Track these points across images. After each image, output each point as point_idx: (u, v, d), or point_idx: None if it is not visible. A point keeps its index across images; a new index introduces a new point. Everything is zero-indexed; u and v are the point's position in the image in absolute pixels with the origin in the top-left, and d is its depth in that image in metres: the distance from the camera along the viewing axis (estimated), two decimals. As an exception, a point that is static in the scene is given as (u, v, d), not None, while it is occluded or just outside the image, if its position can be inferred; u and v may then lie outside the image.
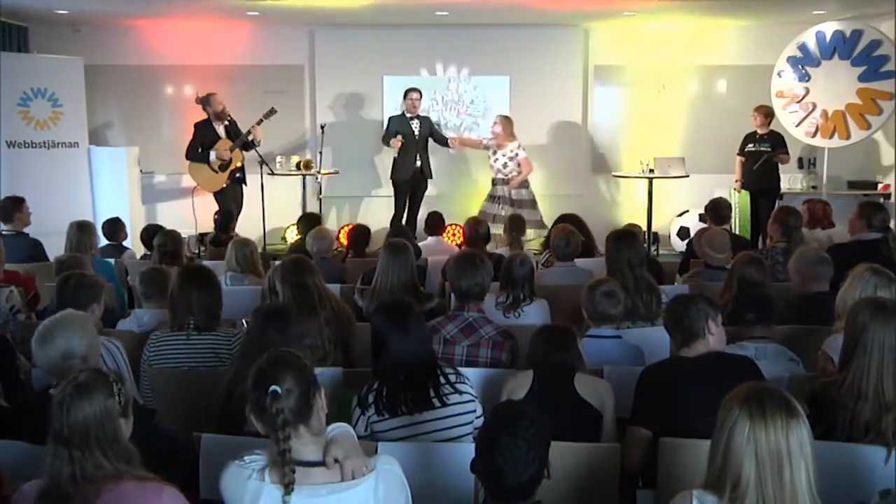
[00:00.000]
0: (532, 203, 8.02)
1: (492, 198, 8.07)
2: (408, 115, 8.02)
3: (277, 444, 1.90)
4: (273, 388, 1.93)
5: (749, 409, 1.80)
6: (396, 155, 7.96)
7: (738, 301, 3.47)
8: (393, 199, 8.23)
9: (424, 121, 8.14)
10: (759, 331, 3.33)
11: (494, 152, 8.00)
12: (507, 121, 7.97)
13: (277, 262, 4.68)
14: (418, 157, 8.01)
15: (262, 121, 7.61)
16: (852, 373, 2.56)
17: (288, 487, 1.89)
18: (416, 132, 7.98)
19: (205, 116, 7.72)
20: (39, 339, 2.72)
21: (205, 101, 7.64)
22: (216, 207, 7.67)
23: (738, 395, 1.85)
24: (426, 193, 8.27)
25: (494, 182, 8.05)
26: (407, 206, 8.19)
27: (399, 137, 7.86)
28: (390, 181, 8.21)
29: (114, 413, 1.99)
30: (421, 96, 8.08)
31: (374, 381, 2.75)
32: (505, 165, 7.92)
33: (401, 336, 2.75)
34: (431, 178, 8.18)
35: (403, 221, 8.06)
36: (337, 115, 9.01)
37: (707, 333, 2.87)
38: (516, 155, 7.91)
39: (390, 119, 8.15)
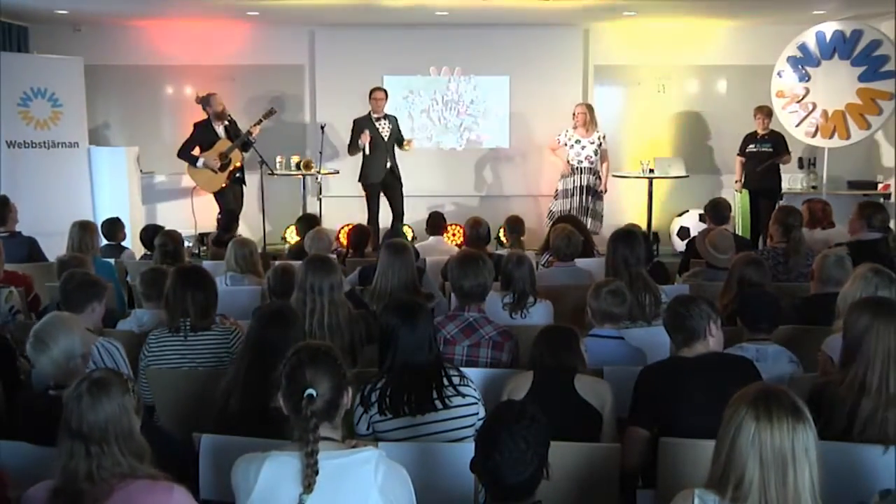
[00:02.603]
0: (601, 195, 8.09)
1: (566, 191, 8.06)
2: (374, 115, 7.78)
3: (307, 445, 1.95)
4: (309, 391, 1.99)
5: (756, 411, 1.80)
6: (367, 153, 7.72)
7: (747, 306, 3.41)
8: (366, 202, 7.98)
9: (392, 120, 7.90)
10: (760, 332, 3.33)
11: (578, 141, 7.99)
12: (590, 108, 7.99)
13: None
14: (388, 159, 7.79)
15: (261, 120, 7.60)
16: (854, 370, 2.56)
17: (309, 488, 1.93)
18: (384, 132, 7.75)
19: (205, 116, 7.71)
20: (37, 343, 2.73)
21: (205, 101, 7.63)
22: (216, 207, 7.67)
23: (746, 396, 1.84)
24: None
25: (578, 171, 8.01)
26: (391, 210, 7.99)
27: (367, 132, 7.66)
28: (359, 184, 7.96)
29: (130, 408, 2.02)
30: (386, 96, 7.87)
31: (378, 380, 2.75)
32: (596, 153, 7.95)
33: (409, 335, 2.75)
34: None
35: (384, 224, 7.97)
36: (337, 115, 9.00)
37: (708, 335, 2.87)
38: (601, 144, 7.95)
39: (355, 122, 7.84)
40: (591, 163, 7.96)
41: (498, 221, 6.93)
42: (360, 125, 7.76)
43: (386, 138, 7.77)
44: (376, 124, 7.76)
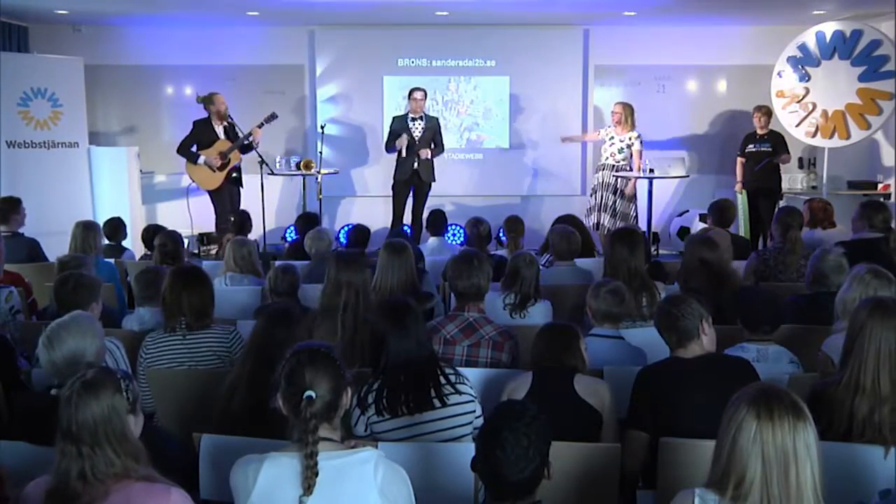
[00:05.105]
0: (633, 197, 8.01)
1: (593, 188, 8.06)
2: (411, 115, 7.79)
3: (306, 447, 1.95)
4: (308, 393, 1.99)
5: (756, 410, 1.80)
6: (403, 156, 7.73)
7: (749, 307, 3.39)
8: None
9: (430, 121, 7.84)
10: (761, 332, 3.32)
11: (611, 137, 7.95)
12: (626, 107, 7.93)
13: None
14: (416, 160, 7.74)
15: (262, 124, 7.57)
16: (850, 369, 2.57)
17: (309, 489, 1.93)
18: (416, 133, 7.73)
19: (205, 115, 7.69)
20: (47, 340, 2.67)
21: (207, 100, 7.60)
22: (213, 207, 7.68)
23: (746, 395, 1.85)
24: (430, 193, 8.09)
25: (602, 168, 7.98)
26: (412, 209, 8.00)
27: (404, 137, 7.68)
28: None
29: (122, 410, 2.00)
30: (425, 96, 7.79)
31: (374, 381, 2.75)
32: (621, 151, 7.89)
33: (400, 336, 2.74)
34: (433, 180, 7.91)
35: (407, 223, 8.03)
36: (337, 115, 9.01)
37: (701, 334, 2.87)
38: (632, 144, 7.88)
39: (393, 119, 7.95)
40: (617, 161, 7.92)
41: (498, 222, 6.93)
42: (395, 123, 7.81)
43: (417, 139, 7.73)
44: (410, 124, 7.75)
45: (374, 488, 1.98)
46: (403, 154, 7.73)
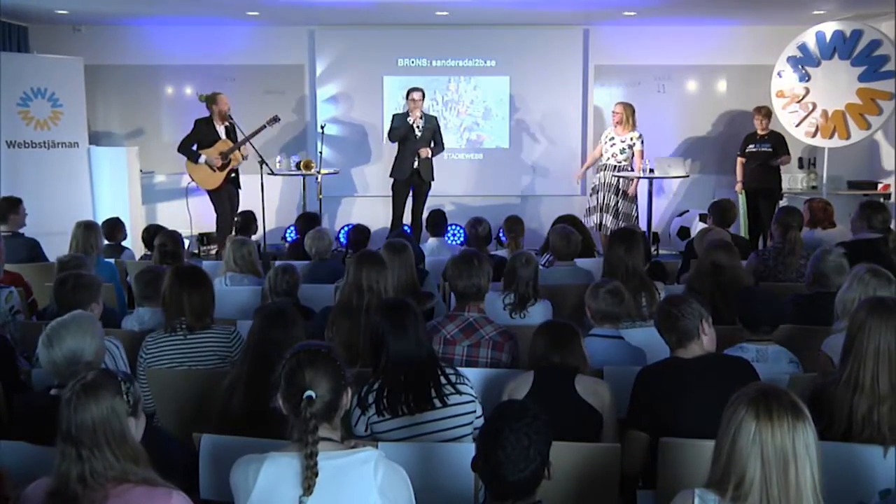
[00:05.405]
0: (634, 198, 7.96)
1: (594, 187, 8.03)
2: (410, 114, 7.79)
3: (306, 447, 1.95)
4: (308, 393, 1.99)
5: (756, 410, 1.80)
6: (416, 128, 7.67)
7: (748, 307, 3.38)
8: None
9: (429, 120, 7.85)
10: (760, 332, 3.32)
11: (612, 138, 7.91)
12: (627, 108, 7.89)
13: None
14: (416, 159, 7.75)
15: (264, 126, 7.56)
16: (849, 367, 2.57)
17: (309, 490, 1.93)
18: (417, 132, 7.75)
19: (206, 115, 7.69)
20: (47, 339, 2.67)
21: (210, 100, 7.61)
22: (212, 207, 7.67)
23: (745, 396, 1.85)
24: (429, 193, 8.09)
25: (604, 168, 7.93)
26: (412, 208, 8.01)
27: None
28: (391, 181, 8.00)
29: (121, 412, 2.00)
30: (423, 96, 7.77)
31: (375, 381, 2.75)
32: (623, 151, 7.84)
33: (399, 336, 2.75)
34: (432, 179, 7.91)
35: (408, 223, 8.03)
36: (337, 115, 9.02)
37: (701, 334, 2.87)
38: (633, 144, 7.83)
39: (394, 116, 7.92)
40: (618, 161, 7.88)
41: (498, 222, 6.93)
42: (395, 121, 7.78)
43: (417, 138, 7.72)
44: (411, 123, 7.72)
45: (374, 488, 1.98)
46: (416, 125, 7.66)
